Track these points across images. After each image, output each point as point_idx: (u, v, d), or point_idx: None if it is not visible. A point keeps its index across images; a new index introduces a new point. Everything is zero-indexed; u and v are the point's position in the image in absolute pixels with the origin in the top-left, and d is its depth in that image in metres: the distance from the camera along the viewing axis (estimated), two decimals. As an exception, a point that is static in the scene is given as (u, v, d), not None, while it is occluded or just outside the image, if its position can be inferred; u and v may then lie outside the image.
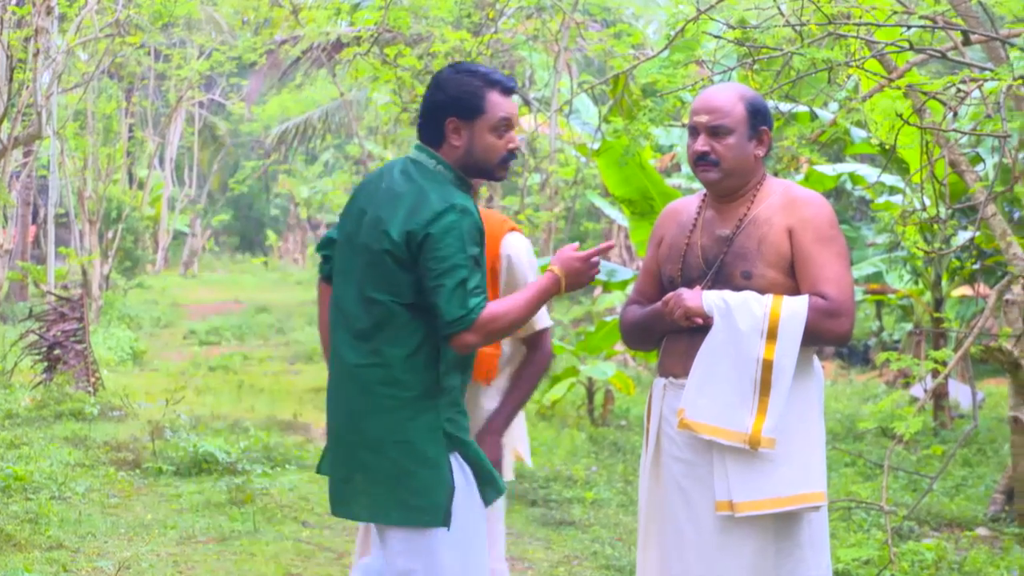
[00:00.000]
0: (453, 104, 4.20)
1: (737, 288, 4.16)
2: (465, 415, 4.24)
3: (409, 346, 4.12)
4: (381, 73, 12.39)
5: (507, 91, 4.24)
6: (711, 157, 4.23)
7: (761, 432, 4.04)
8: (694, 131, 4.28)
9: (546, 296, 4.14)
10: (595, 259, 4.16)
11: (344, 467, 4.22)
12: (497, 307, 4.06)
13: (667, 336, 4.34)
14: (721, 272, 4.22)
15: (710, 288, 4.21)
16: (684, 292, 4.18)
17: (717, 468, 4.13)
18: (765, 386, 4.05)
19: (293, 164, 42.96)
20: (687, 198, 4.52)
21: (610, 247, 4.22)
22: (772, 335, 4.04)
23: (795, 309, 4.04)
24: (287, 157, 36.81)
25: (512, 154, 4.27)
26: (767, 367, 4.04)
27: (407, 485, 4.10)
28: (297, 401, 14.40)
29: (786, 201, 4.18)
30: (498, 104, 4.21)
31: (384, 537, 4.16)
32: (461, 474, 4.15)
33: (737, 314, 4.08)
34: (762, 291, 4.12)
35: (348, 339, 4.21)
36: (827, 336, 4.07)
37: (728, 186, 4.28)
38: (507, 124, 4.23)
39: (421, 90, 12.45)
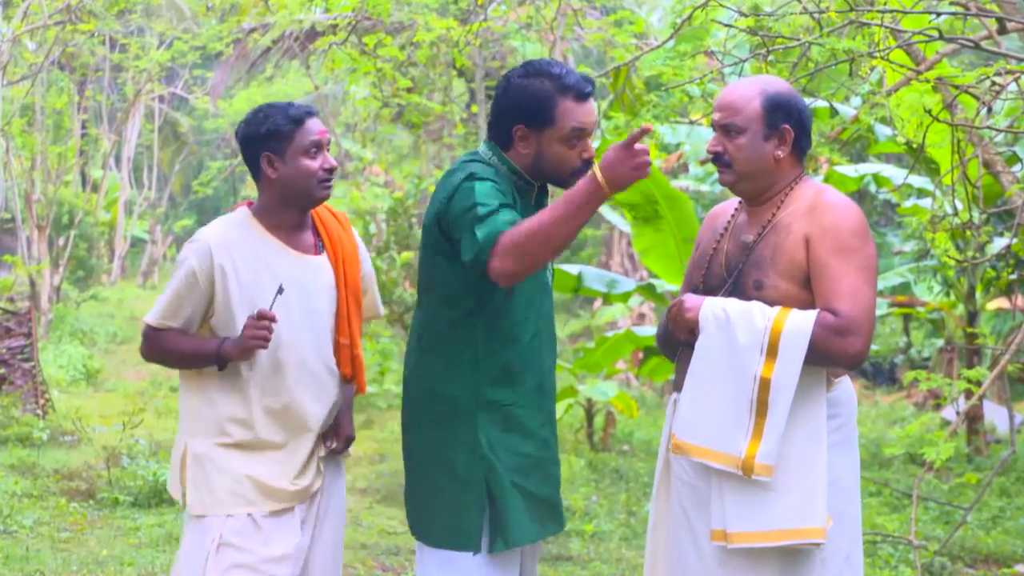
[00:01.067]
0: (520, 112, 4.24)
1: (749, 299, 4.15)
2: (529, 437, 4.29)
3: (448, 356, 4.25)
4: (360, 64, 12.40)
5: (582, 97, 4.24)
6: (724, 158, 4.25)
7: (755, 458, 4.02)
8: (714, 129, 4.32)
9: (583, 198, 3.93)
10: (640, 146, 3.95)
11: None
12: (525, 222, 3.98)
13: (681, 347, 4.35)
14: (738, 281, 4.23)
15: (728, 297, 4.22)
16: (687, 299, 4.19)
17: (715, 494, 4.14)
18: (762, 407, 4.02)
19: (263, 164, 42.93)
20: (730, 201, 4.54)
21: (648, 130, 3.99)
22: (772, 351, 4.01)
23: (799, 324, 4.01)
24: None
25: (587, 164, 4.27)
26: (764, 386, 4.02)
27: (441, 503, 4.28)
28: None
29: (810, 206, 4.16)
30: (571, 113, 4.22)
31: (420, 552, 4.36)
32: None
33: (737, 326, 4.07)
34: (773, 303, 4.11)
35: (408, 348, 4.46)
36: (835, 356, 4.02)
37: (746, 189, 4.29)
38: (580, 134, 4.24)
39: (403, 82, 12.49)
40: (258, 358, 4.47)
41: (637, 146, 3.93)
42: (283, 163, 4.49)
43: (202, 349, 4.48)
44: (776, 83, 4.29)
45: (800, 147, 4.24)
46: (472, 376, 4.23)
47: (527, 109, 4.22)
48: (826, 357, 4.03)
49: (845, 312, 4.00)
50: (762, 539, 4.06)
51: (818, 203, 4.16)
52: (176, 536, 8.57)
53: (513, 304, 4.25)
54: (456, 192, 4.13)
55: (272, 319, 4.38)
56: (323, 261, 4.67)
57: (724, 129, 4.24)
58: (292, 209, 4.57)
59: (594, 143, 11.01)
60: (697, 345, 4.15)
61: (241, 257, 4.49)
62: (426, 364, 4.31)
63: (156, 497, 9.69)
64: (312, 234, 4.69)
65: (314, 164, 4.49)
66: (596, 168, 3.94)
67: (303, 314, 4.56)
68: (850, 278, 4.05)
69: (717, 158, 4.27)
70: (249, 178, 43.57)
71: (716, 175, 4.52)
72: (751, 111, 4.20)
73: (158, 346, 4.56)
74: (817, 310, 4.03)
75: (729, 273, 4.28)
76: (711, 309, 4.13)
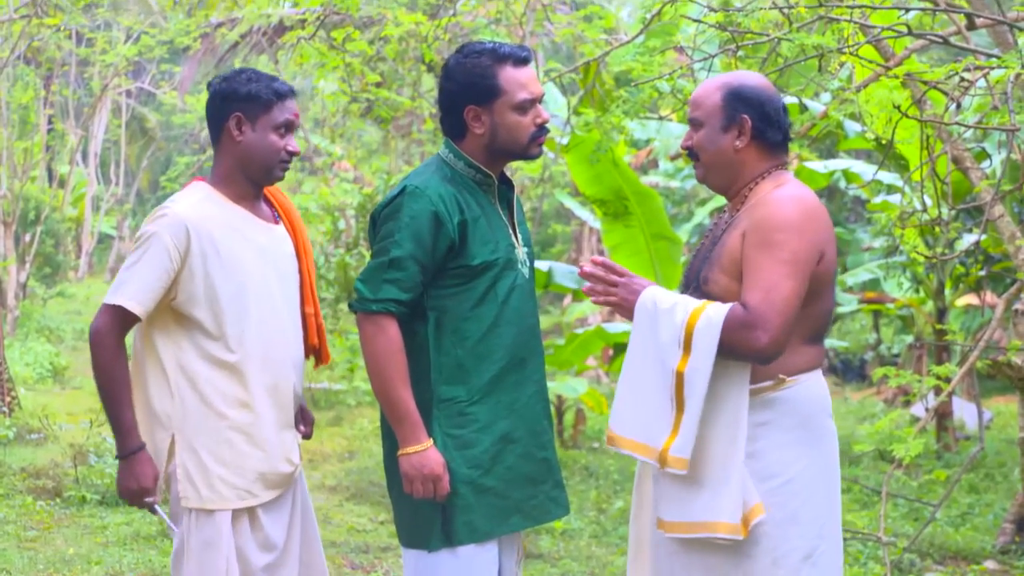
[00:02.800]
0: (466, 91, 4.33)
1: (700, 294, 4.18)
2: (484, 432, 4.33)
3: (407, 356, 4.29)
4: (328, 59, 12.35)
5: (521, 62, 4.34)
6: (695, 152, 4.29)
7: (669, 451, 4.04)
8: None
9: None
10: None
11: None
12: (384, 337, 4.22)
13: None
14: (696, 277, 4.26)
15: (684, 292, 4.26)
16: (633, 281, 4.23)
17: (656, 484, 4.22)
18: (680, 401, 4.04)
19: (231, 160, 42.83)
20: None
21: None
22: (687, 346, 4.02)
23: (712, 318, 4.00)
24: (220, 152, 36.68)
25: (543, 129, 4.38)
26: (680, 380, 4.03)
27: (403, 502, 4.37)
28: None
29: (755, 201, 4.18)
30: (513, 78, 4.31)
31: (403, 557, 4.45)
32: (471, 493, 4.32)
33: (661, 320, 4.09)
34: (715, 298, 4.12)
35: None
36: (741, 350, 4.00)
37: (714, 183, 4.33)
38: (531, 100, 4.33)
39: (372, 77, 12.47)
40: (246, 334, 4.44)
41: None
42: (252, 130, 4.48)
43: (122, 422, 4.41)
44: (746, 78, 4.29)
45: (765, 138, 4.21)
46: (427, 375, 4.30)
47: (471, 87, 4.31)
48: (733, 351, 4.01)
49: (754, 306, 3.97)
50: (685, 530, 4.11)
51: (762, 198, 4.16)
52: (144, 534, 8.54)
53: (461, 303, 4.31)
54: (389, 204, 4.29)
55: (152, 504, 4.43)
56: (282, 230, 4.69)
57: (691, 123, 4.28)
58: (248, 181, 4.54)
59: (563, 139, 11.02)
60: (630, 338, 4.19)
61: (219, 231, 4.44)
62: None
63: (123, 495, 9.65)
64: (267, 205, 4.71)
65: (280, 142, 4.50)
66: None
67: (278, 285, 4.57)
68: (767, 272, 4.00)
69: (690, 152, 4.31)
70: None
71: (686, 171, 4.55)
72: (710, 104, 4.23)
73: (112, 346, 4.43)
74: (731, 304, 4.03)
75: (691, 268, 4.35)
76: (643, 301, 4.15)
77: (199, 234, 4.38)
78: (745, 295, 4.01)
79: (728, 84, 4.25)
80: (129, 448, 4.39)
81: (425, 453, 4.21)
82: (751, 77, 4.31)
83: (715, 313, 4.01)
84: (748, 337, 3.96)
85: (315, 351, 4.74)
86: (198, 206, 4.45)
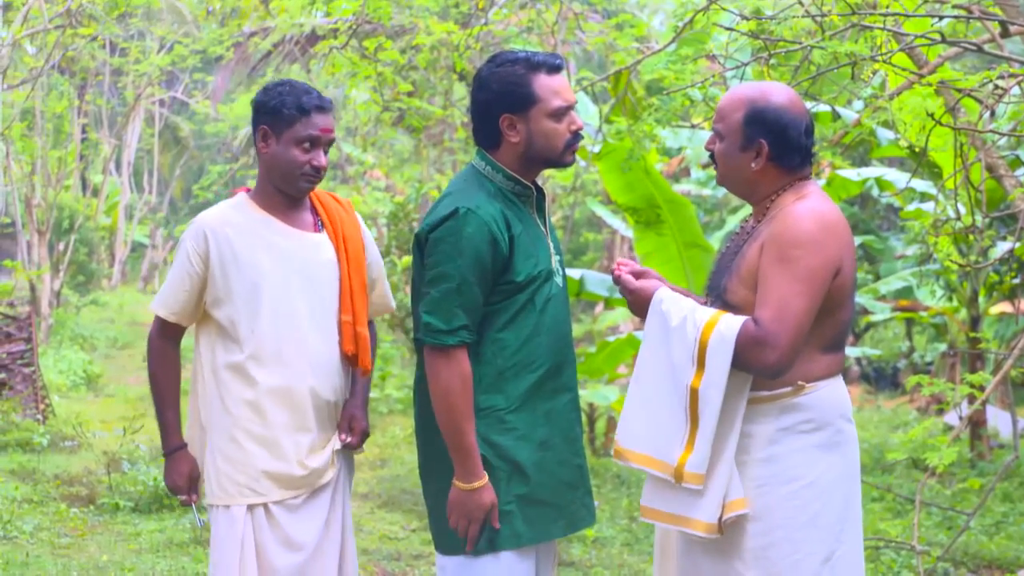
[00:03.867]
0: (501, 100, 4.34)
1: (720, 302, 4.20)
2: (523, 440, 4.33)
3: None
4: (360, 68, 12.38)
5: (554, 70, 4.35)
6: (715, 158, 4.32)
7: (685, 467, 4.07)
8: None
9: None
10: None
11: None
12: (456, 377, 4.22)
13: None
14: (717, 285, 4.29)
15: (707, 298, 4.28)
16: (638, 283, 4.28)
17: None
18: (694, 416, 4.05)
19: (263, 168, 42.97)
20: None
21: None
22: (701, 362, 4.04)
23: (724, 334, 4.02)
24: (257, 161, 36.87)
25: (578, 135, 4.40)
26: (694, 396, 4.05)
27: (438, 509, 4.38)
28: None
29: (776, 213, 4.18)
30: (547, 86, 4.33)
31: (438, 564, 4.44)
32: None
33: (674, 335, 4.11)
34: (733, 307, 4.14)
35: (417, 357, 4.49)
36: (751, 366, 4.03)
37: (734, 192, 4.37)
38: (566, 107, 4.34)
39: (404, 87, 12.48)
40: (256, 335, 4.56)
41: None
42: (276, 143, 4.62)
43: (163, 422, 4.71)
44: (771, 94, 4.25)
45: (782, 162, 4.20)
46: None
47: (506, 95, 4.32)
48: (742, 365, 4.04)
49: (765, 323, 3.99)
50: (661, 518, 4.19)
51: (782, 212, 4.16)
52: (177, 541, 8.57)
53: (501, 315, 4.32)
54: (440, 226, 4.25)
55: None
56: (323, 238, 4.77)
57: (715, 131, 4.29)
58: (277, 191, 4.69)
59: (595, 147, 11.02)
60: (641, 350, 4.21)
61: (237, 235, 4.60)
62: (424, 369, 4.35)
63: (156, 502, 9.69)
64: (311, 214, 4.79)
65: (302, 157, 4.60)
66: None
67: (301, 289, 4.64)
68: (782, 289, 4.02)
69: (712, 155, 4.33)
70: (251, 181, 43.84)
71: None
72: (732, 121, 4.23)
73: (156, 350, 4.69)
74: (745, 318, 4.04)
75: (716, 274, 4.36)
76: (656, 311, 4.19)
77: (217, 238, 4.59)
78: (758, 310, 4.02)
79: (753, 102, 4.22)
80: (169, 447, 4.71)
81: (478, 492, 4.23)
82: (778, 94, 4.26)
83: (727, 329, 4.02)
84: (758, 355, 3.99)
85: (352, 358, 4.76)
86: (223, 213, 4.67)
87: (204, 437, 4.68)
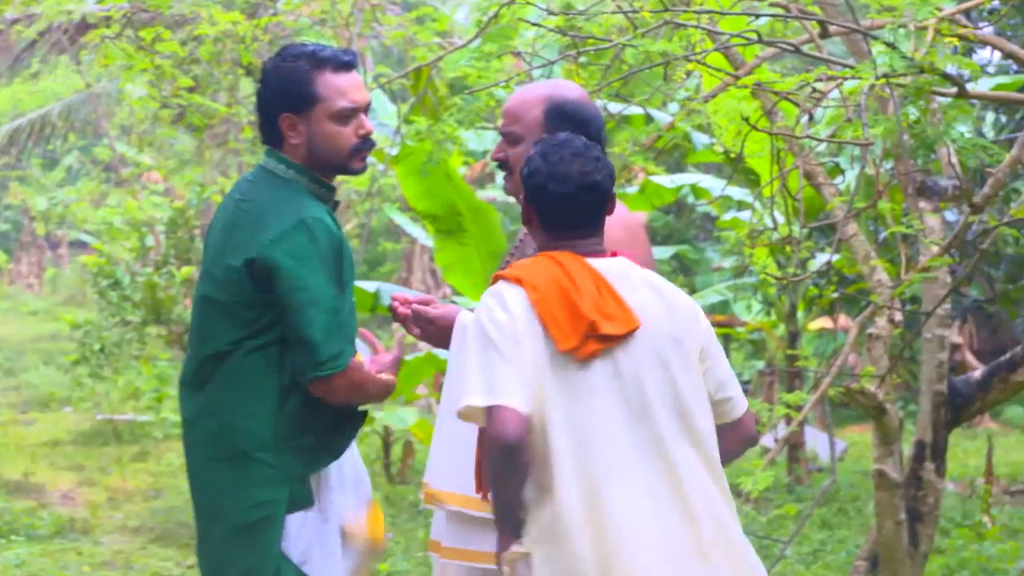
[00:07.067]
0: (281, 98, 4.26)
1: None
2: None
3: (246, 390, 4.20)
4: (135, 61, 12.18)
5: (342, 67, 4.28)
6: (508, 165, 4.29)
7: None
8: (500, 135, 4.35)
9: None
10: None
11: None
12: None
13: None
14: None
15: None
16: (445, 308, 4.22)
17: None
18: None
19: (27, 169, 42.03)
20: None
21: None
22: None
23: None
24: (20, 161, 36.01)
25: (367, 141, 4.32)
26: None
27: (225, 554, 4.27)
28: (29, 457, 14.10)
29: None
30: (332, 85, 4.25)
31: None
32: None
33: None
34: None
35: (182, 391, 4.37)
36: None
37: None
38: (352, 110, 4.26)
39: (184, 81, 12.32)
40: None
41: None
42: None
43: None
44: (566, 89, 4.29)
45: None
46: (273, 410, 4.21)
47: (287, 93, 4.24)
48: None
49: None
50: (474, 558, 4.10)
51: None
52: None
53: None
54: (285, 242, 4.11)
55: None
56: None
57: (506, 136, 4.26)
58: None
59: (393, 150, 11.00)
60: (447, 382, 4.16)
61: None
62: (218, 400, 4.23)
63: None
64: None
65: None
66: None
67: None
68: None
69: (502, 165, 4.31)
70: (13, 183, 42.53)
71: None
72: (531, 119, 4.22)
73: None
74: None
75: None
76: (460, 336, 4.11)
77: None
78: None
79: (550, 97, 4.24)
80: None
81: None
82: (571, 88, 4.31)
83: None
84: None
85: None
86: None
87: None
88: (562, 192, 3.85)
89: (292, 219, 4.12)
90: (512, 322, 3.74)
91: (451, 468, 4.12)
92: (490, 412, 3.67)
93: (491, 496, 3.76)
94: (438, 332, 4.22)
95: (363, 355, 4.38)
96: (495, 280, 3.86)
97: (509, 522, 3.74)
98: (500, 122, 4.34)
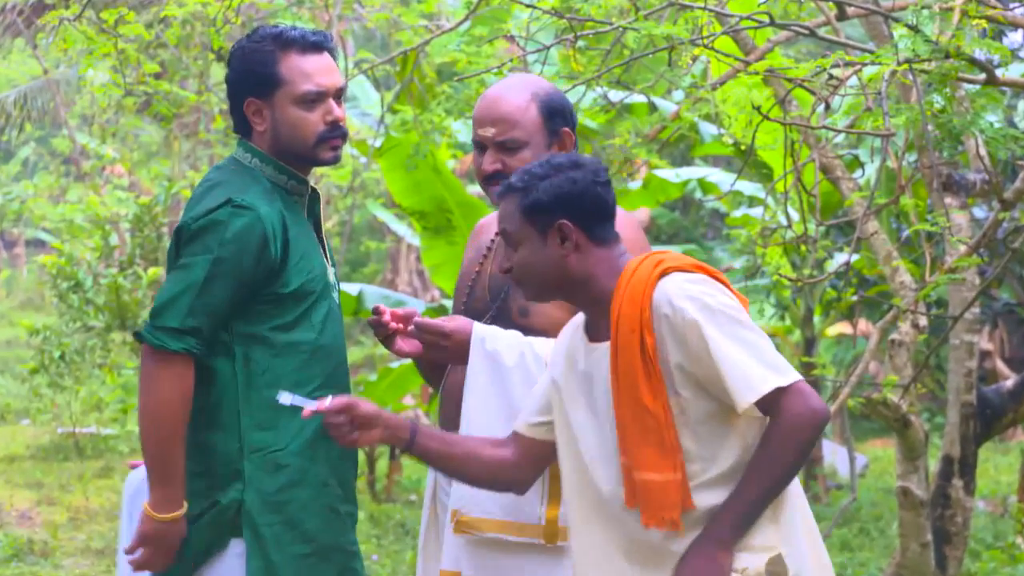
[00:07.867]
0: (244, 81, 4.27)
1: (514, 326, 4.16)
2: (301, 485, 4.26)
3: (202, 398, 4.19)
4: (97, 44, 12.19)
5: (310, 48, 4.26)
6: (507, 176, 4.26)
7: (558, 521, 3.99)
8: (480, 145, 4.29)
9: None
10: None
11: None
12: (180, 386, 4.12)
13: (448, 372, 4.36)
14: (503, 307, 4.23)
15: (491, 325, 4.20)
16: (449, 324, 4.15)
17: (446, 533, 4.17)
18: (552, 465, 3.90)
19: (-19, 162, 42.13)
20: (496, 214, 4.50)
21: None
22: None
23: None
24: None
25: (336, 127, 4.28)
26: None
27: None
28: (-26, 475, 14.08)
29: None
30: (297, 68, 4.23)
31: None
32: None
33: (514, 374, 4.05)
34: (540, 331, 4.12)
35: None
36: None
37: None
38: (318, 94, 4.24)
39: (148, 67, 12.32)
40: None
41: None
42: None
43: None
44: (537, 81, 4.33)
45: (578, 150, 4.28)
46: (235, 421, 4.21)
47: (249, 76, 4.24)
48: None
49: None
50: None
51: None
52: None
53: (271, 335, 4.24)
54: (205, 216, 4.14)
55: None
56: None
57: (501, 145, 4.22)
58: None
59: (377, 141, 11.00)
60: (466, 402, 4.11)
61: None
62: None
63: None
64: None
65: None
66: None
67: None
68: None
69: (496, 176, 4.20)
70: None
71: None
72: (530, 121, 4.20)
73: None
74: None
75: (493, 298, 4.27)
76: (480, 353, 4.08)
77: None
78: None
79: (537, 93, 4.24)
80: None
81: (179, 523, 4.19)
82: (540, 80, 4.37)
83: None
84: None
85: None
86: None
87: None
88: (607, 180, 3.74)
89: (223, 197, 4.15)
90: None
91: (487, 491, 4.04)
92: (793, 390, 3.53)
93: (767, 487, 3.54)
94: (456, 348, 4.14)
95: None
96: (665, 272, 3.65)
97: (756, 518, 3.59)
98: (486, 131, 4.25)
